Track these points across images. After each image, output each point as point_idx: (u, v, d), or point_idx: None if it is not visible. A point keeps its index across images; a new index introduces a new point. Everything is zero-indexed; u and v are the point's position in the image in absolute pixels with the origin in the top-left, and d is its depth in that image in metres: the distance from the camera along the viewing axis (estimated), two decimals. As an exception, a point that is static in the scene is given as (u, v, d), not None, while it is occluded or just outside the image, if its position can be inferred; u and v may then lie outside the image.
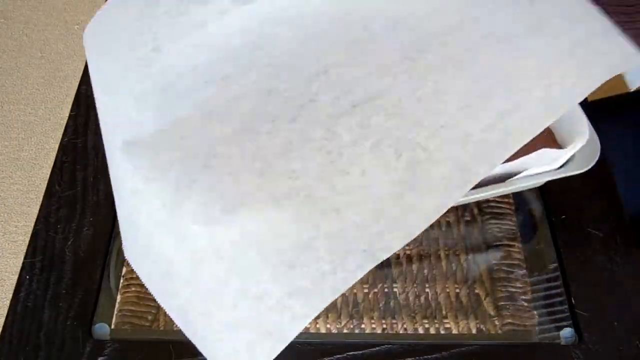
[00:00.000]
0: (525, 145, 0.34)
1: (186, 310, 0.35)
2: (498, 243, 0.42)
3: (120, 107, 0.41)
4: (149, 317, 0.40)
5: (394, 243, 0.33)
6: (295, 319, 0.32)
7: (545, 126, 0.34)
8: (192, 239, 0.35)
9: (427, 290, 0.41)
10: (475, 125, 0.35)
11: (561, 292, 0.40)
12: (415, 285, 0.41)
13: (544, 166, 0.37)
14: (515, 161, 0.35)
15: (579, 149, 0.37)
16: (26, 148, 1.14)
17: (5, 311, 0.40)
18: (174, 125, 0.40)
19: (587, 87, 0.34)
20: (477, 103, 0.36)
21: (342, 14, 0.43)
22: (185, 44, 0.43)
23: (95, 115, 0.44)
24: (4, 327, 0.39)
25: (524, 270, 0.41)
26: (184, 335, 0.37)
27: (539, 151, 0.35)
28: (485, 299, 0.40)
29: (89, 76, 0.53)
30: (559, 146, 0.39)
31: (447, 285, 0.41)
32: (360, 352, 0.38)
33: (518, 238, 0.43)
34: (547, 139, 0.40)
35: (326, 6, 0.44)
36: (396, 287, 0.41)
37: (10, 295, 0.41)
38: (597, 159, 0.37)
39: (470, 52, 0.38)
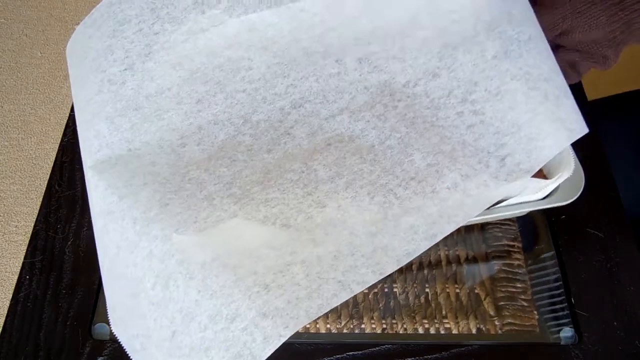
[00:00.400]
0: None
1: (150, 335, 0.34)
2: (498, 243, 0.42)
3: (92, 127, 0.41)
4: (149, 317, 0.39)
5: (367, 277, 0.33)
6: (268, 340, 0.31)
7: (497, 200, 0.35)
8: (163, 258, 0.35)
9: (427, 290, 0.41)
10: (441, 182, 0.36)
11: (561, 292, 0.40)
12: (415, 285, 0.41)
13: (527, 195, 0.37)
14: (499, 189, 0.36)
15: (564, 180, 0.37)
16: (26, 148, 1.14)
17: (5, 311, 0.40)
18: (147, 149, 0.40)
19: (534, 166, 0.36)
20: (443, 162, 0.37)
21: (317, 44, 0.43)
22: (158, 64, 0.42)
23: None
24: (3, 327, 0.39)
25: (524, 270, 0.41)
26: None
27: (524, 179, 0.36)
28: (485, 299, 0.40)
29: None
30: (544, 176, 0.40)
31: (447, 285, 0.41)
32: (360, 352, 0.38)
33: (518, 238, 0.43)
34: None
35: (300, 34, 0.44)
36: (396, 287, 0.41)
37: (10, 295, 0.41)
38: (581, 191, 0.37)
39: (433, 110, 0.39)
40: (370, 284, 0.33)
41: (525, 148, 0.36)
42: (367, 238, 0.35)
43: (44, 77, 1.25)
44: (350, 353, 0.38)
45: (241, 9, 0.43)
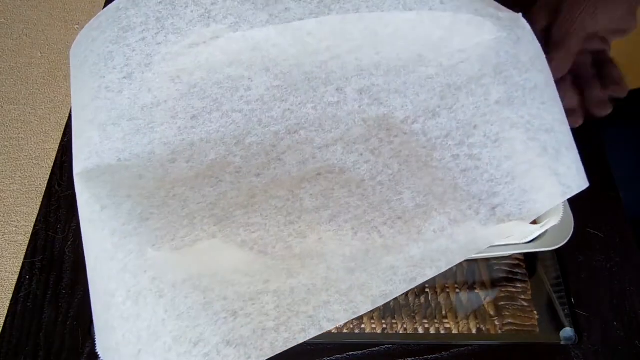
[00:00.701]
0: None
1: (119, 350, 0.34)
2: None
3: (85, 133, 0.41)
4: (149, 317, 0.39)
5: (339, 315, 0.33)
6: None
7: (483, 248, 0.35)
8: (136, 273, 0.34)
9: (427, 290, 0.41)
10: (428, 225, 0.36)
11: (561, 292, 0.40)
12: (415, 285, 0.41)
13: (513, 239, 0.37)
14: (486, 234, 0.36)
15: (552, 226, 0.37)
16: (26, 148, 1.14)
17: (5, 311, 0.40)
18: (136, 161, 0.40)
19: (525, 219, 0.35)
20: (432, 204, 0.37)
21: (319, 70, 0.43)
22: (158, 75, 0.42)
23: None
24: (3, 327, 0.39)
25: (524, 270, 0.41)
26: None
27: (511, 223, 0.36)
28: (485, 299, 0.40)
29: (88, 76, 0.53)
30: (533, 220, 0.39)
31: (447, 285, 0.41)
32: (360, 352, 0.38)
33: (518, 238, 0.43)
34: None
35: (304, 58, 0.44)
36: (396, 287, 0.41)
37: (10, 295, 0.41)
38: (569, 237, 0.36)
39: (429, 149, 0.39)
40: (342, 322, 0.34)
41: (517, 199, 0.36)
42: (344, 274, 0.35)
43: (44, 77, 1.25)
44: (350, 353, 0.38)
45: (247, 25, 0.43)
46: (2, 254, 1.00)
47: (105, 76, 0.42)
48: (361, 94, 0.42)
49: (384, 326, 0.39)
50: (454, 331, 0.39)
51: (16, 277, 0.42)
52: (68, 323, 0.39)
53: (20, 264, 0.42)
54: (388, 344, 0.38)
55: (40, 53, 1.29)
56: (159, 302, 0.33)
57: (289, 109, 0.42)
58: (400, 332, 0.39)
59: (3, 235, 1.02)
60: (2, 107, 1.20)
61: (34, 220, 0.45)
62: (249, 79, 0.43)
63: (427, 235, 0.36)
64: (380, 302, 0.34)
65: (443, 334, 0.39)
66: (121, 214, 0.37)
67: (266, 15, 0.44)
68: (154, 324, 0.33)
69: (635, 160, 0.57)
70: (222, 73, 0.43)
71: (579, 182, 0.36)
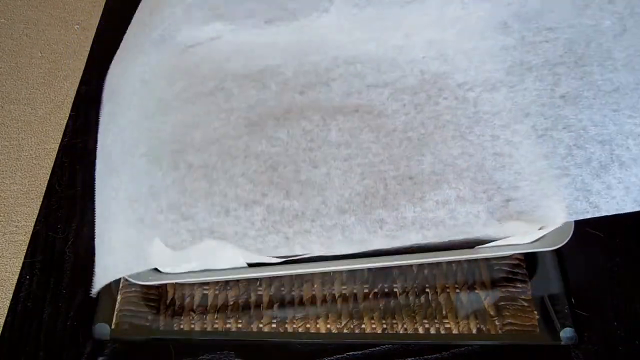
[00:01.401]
0: None
1: (117, 196, 0.39)
2: (498, 243, 0.42)
3: (169, 9, 0.46)
4: (149, 317, 0.40)
5: (313, 246, 0.35)
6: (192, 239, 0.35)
7: (477, 236, 0.35)
8: (163, 140, 0.39)
9: (427, 290, 0.41)
10: (433, 194, 0.36)
11: (561, 292, 0.40)
12: (415, 285, 0.41)
13: (513, 238, 0.36)
14: (486, 227, 0.36)
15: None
16: (26, 148, 1.14)
17: (5, 311, 0.40)
18: (200, 49, 0.44)
19: (533, 223, 0.35)
20: (448, 175, 0.37)
21: (391, 14, 0.44)
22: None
23: (96, 115, 0.44)
24: (4, 327, 0.39)
25: (524, 270, 0.41)
26: (184, 334, 0.37)
27: (513, 223, 0.35)
28: (485, 299, 0.40)
29: (88, 76, 0.53)
30: None
31: (447, 286, 0.41)
32: (360, 352, 0.38)
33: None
34: None
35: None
36: (396, 287, 0.41)
37: (11, 295, 0.41)
38: (569, 237, 0.36)
39: (473, 121, 0.38)
40: (313, 254, 0.35)
41: (535, 201, 0.35)
42: (334, 212, 0.36)
43: (44, 77, 1.25)
44: (350, 353, 0.38)
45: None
46: (3, 253, 1.00)
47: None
48: (430, 44, 0.42)
49: (384, 326, 0.39)
50: (454, 331, 0.39)
51: (16, 277, 0.42)
52: (68, 323, 0.39)
53: (21, 264, 0.43)
54: (388, 344, 0.38)
55: (41, 53, 1.30)
56: (171, 172, 0.38)
57: (352, 41, 0.43)
58: (401, 332, 0.39)
59: (3, 235, 1.02)
60: (2, 107, 1.20)
61: (35, 220, 0.45)
62: (330, 1, 0.45)
63: (427, 203, 0.36)
64: (356, 249, 0.35)
65: (443, 334, 0.39)
66: (172, 89, 0.42)
67: None
68: (158, 185, 0.37)
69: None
70: None
71: (613, 205, 0.34)
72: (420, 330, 0.39)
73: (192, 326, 0.38)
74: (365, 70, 0.42)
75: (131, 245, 0.36)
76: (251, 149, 0.38)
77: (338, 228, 0.35)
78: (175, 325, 0.38)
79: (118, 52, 0.47)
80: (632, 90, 0.37)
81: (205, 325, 0.38)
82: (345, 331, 0.39)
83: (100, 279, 0.36)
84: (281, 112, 0.40)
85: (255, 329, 0.38)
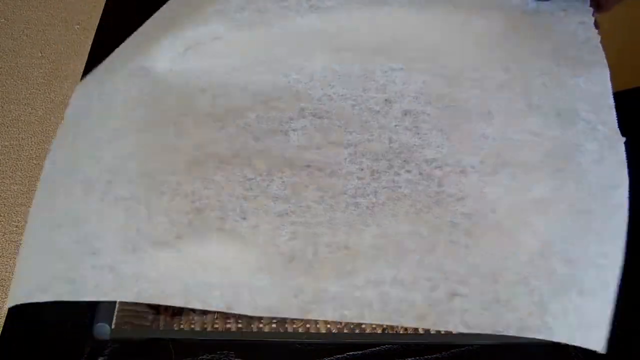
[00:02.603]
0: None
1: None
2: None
3: (156, 35, 0.45)
4: (149, 317, 0.39)
5: (213, 303, 0.33)
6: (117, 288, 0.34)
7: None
8: (112, 165, 0.39)
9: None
10: (367, 270, 0.34)
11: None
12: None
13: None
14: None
15: None
16: (26, 148, 1.14)
17: (6, 311, 0.40)
18: (178, 80, 0.43)
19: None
20: (388, 251, 0.34)
21: (380, 75, 0.42)
22: (243, 19, 0.44)
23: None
24: (4, 327, 0.39)
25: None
26: (184, 334, 0.37)
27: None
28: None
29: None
30: None
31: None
32: (360, 352, 0.38)
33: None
34: None
35: (373, 56, 0.43)
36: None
37: (11, 295, 0.41)
38: None
39: (432, 200, 0.36)
40: (211, 309, 0.33)
41: (483, 302, 0.32)
42: (248, 269, 0.34)
43: (44, 77, 1.25)
44: (350, 353, 0.38)
45: (344, 13, 0.44)
46: (2, 253, 1.00)
47: (205, 5, 0.45)
48: (405, 114, 0.40)
49: (384, 326, 0.39)
50: (454, 331, 0.39)
51: (16, 277, 0.42)
52: (68, 323, 0.39)
53: (21, 264, 0.42)
54: (388, 344, 0.38)
55: (41, 53, 1.29)
56: (98, 203, 0.37)
57: (328, 95, 0.41)
58: (401, 332, 0.39)
59: (3, 235, 1.02)
60: (2, 107, 1.20)
61: (34, 220, 0.45)
62: (313, 51, 0.43)
63: (356, 279, 0.33)
64: (261, 314, 0.33)
65: (443, 334, 0.39)
66: (129, 116, 0.41)
67: (368, 13, 0.44)
68: (84, 214, 0.36)
69: (635, 160, 0.57)
70: (296, 39, 0.44)
71: (565, 333, 0.32)
72: (421, 330, 0.39)
73: (192, 326, 0.38)
74: (332, 126, 0.39)
75: (43, 273, 0.35)
76: (182, 187, 0.36)
77: (246, 288, 0.33)
78: (175, 325, 0.38)
79: (92, 73, 0.47)
80: (603, 218, 0.35)
81: (205, 325, 0.38)
82: (345, 331, 0.39)
83: (13, 298, 0.36)
84: (228, 156, 0.38)
85: (255, 329, 0.38)
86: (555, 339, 0.32)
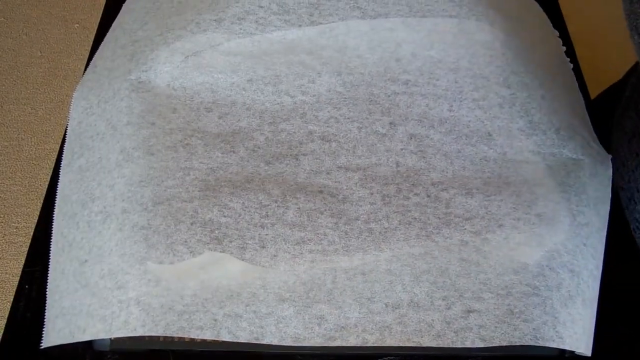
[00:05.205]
0: None
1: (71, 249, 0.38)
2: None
3: (151, 45, 0.44)
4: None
5: (240, 333, 0.34)
6: (127, 323, 0.34)
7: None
8: (117, 195, 0.38)
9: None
10: (384, 296, 0.34)
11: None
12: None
13: None
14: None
15: None
16: (26, 148, 1.14)
17: (6, 314, 0.40)
18: (181, 93, 0.43)
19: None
20: (403, 276, 0.35)
21: (387, 99, 0.42)
22: (245, 30, 0.44)
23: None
24: (2, 338, 0.39)
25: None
26: (184, 345, 0.37)
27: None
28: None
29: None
30: None
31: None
32: (363, 363, 0.37)
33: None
34: None
35: (379, 81, 0.43)
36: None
37: (11, 298, 0.41)
38: None
39: (442, 221, 0.37)
40: (239, 340, 0.33)
41: (498, 316, 0.33)
42: (272, 299, 0.34)
43: (44, 77, 1.25)
44: (353, 364, 0.37)
45: (344, 29, 0.43)
46: (2, 255, 1.00)
47: (202, 14, 0.44)
48: (411, 138, 0.40)
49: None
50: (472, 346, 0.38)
51: (16, 279, 0.42)
52: (67, 333, 0.39)
53: (21, 266, 0.42)
54: (390, 355, 0.38)
55: (40, 52, 1.29)
56: (117, 233, 0.36)
57: (335, 117, 0.41)
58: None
59: (3, 237, 1.02)
60: (2, 106, 1.20)
61: (35, 221, 0.44)
62: (318, 73, 0.43)
63: (375, 305, 0.34)
64: (288, 342, 0.33)
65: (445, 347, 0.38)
66: (137, 137, 0.39)
67: (367, 27, 0.44)
68: (105, 247, 0.36)
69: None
70: (298, 56, 0.43)
71: (574, 341, 0.33)
72: (424, 345, 0.38)
73: (192, 337, 0.37)
74: (340, 150, 0.40)
75: (77, 312, 0.35)
76: (199, 215, 0.36)
77: (272, 318, 0.34)
78: (175, 336, 0.38)
79: (89, 73, 0.45)
80: (596, 231, 0.37)
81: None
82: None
83: (50, 338, 0.36)
84: (241, 181, 0.38)
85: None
86: (566, 347, 0.33)
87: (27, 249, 0.43)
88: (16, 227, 1.03)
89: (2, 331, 0.39)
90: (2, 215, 1.05)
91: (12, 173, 1.10)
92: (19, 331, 0.39)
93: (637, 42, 0.32)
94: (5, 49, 1.29)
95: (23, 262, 0.43)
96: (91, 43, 0.54)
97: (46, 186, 0.46)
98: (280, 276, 0.35)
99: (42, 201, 0.45)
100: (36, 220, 0.44)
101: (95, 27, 0.56)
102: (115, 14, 0.52)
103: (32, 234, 0.44)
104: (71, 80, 1.24)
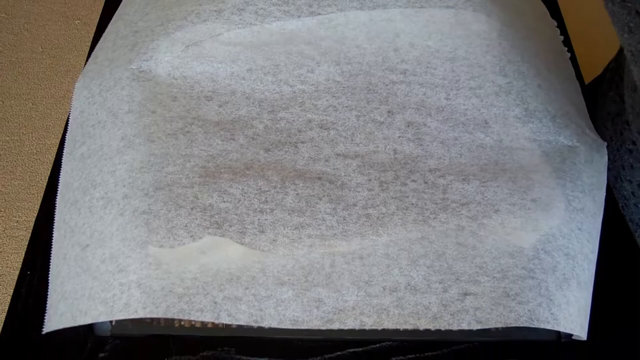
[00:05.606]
0: None
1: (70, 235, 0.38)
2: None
3: (152, 35, 0.44)
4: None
5: (240, 315, 0.34)
6: (128, 305, 0.34)
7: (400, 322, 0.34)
8: (118, 181, 0.38)
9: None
10: (382, 279, 0.35)
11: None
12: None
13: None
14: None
15: None
16: (27, 143, 1.14)
17: (6, 307, 0.40)
18: (181, 82, 0.43)
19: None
20: (401, 261, 0.35)
21: (385, 88, 0.43)
22: (244, 21, 0.44)
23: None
24: (5, 323, 0.39)
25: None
26: (184, 330, 0.37)
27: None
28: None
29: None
30: None
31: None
32: (361, 348, 0.38)
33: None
34: None
35: (377, 70, 0.44)
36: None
37: (11, 291, 0.41)
38: None
39: (439, 207, 0.37)
40: (239, 323, 0.34)
41: (494, 299, 0.34)
42: (272, 283, 0.35)
43: (45, 72, 1.25)
44: (351, 350, 0.38)
45: (343, 19, 0.44)
46: (3, 249, 1.00)
47: (202, 4, 0.44)
48: (408, 126, 0.41)
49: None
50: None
51: (17, 272, 0.42)
52: (69, 319, 0.39)
53: (21, 260, 0.42)
54: (389, 341, 0.38)
55: (41, 48, 1.29)
56: (118, 218, 0.36)
57: (333, 106, 0.42)
58: (401, 329, 0.39)
59: (4, 231, 1.02)
60: (2, 102, 1.20)
61: (35, 215, 0.45)
62: (317, 63, 0.43)
63: (373, 288, 0.34)
64: (287, 326, 0.34)
65: (443, 331, 0.39)
66: (138, 125, 0.40)
67: (365, 17, 0.44)
68: (106, 232, 0.36)
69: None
70: (297, 47, 0.44)
71: (568, 323, 0.34)
72: (421, 327, 0.39)
73: (193, 322, 0.38)
74: (339, 137, 0.40)
75: (79, 296, 0.35)
76: (200, 200, 0.36)
77: (271, 300, 0.34)
78: (175, 321, 0.38)
79: (90, 64, 0.46)
80: (592, 216, 0.37)
81: (205, 321, 0.38)
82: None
83: (52, 323, 0.36)
84: (241, 167, 0.38)
85: (256, 326, 0.38)
86: (561, 329, 0.33)
87: (27, 242, 0.43)
88: (17, 221, 1.04)
89: (3, 322, 0.40)
90: (3, 210, 1.05)
91: (12, 168, 1.11)
92: (21, 318, 0.40)
93: (610, 10, 0.33)
94: (6, 44, 1.30)
95: (23, 255, 0.43)
96: (92, 39, 0.54)
97: (47, 181, 0.47)
98: (280, 260, 0.35)
99: (42, 195, 0.46)
100: (36, 214, 0.45)
101: (96, 23, 0.56)
102: (115, 10, 0.53)
103: (32, 227, 0.44)
104: (72, 76, 1.25)
